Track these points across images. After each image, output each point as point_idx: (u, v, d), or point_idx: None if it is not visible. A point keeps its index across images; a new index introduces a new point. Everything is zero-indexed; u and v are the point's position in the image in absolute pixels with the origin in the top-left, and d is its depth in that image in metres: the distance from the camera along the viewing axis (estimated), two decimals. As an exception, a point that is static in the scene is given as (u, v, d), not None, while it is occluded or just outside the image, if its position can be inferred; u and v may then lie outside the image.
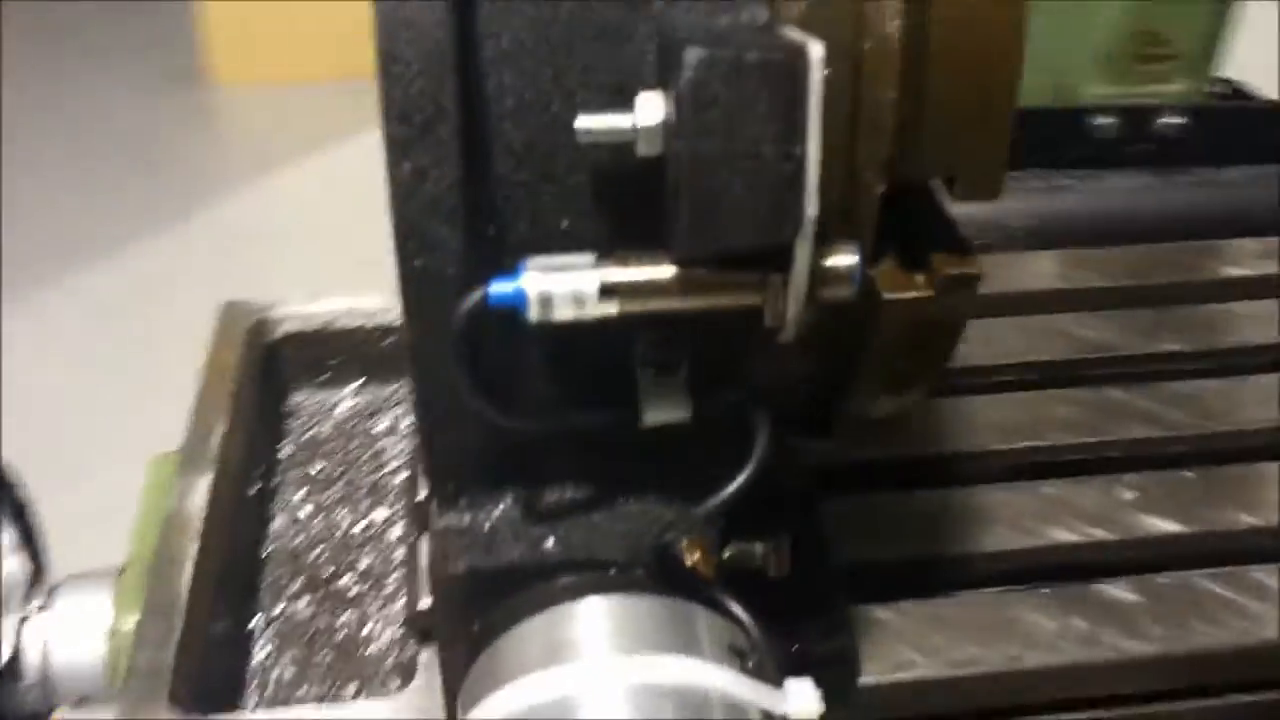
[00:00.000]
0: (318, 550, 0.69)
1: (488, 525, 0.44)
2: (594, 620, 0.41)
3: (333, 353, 0.79)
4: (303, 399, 0.79)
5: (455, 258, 0.36)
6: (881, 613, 0.57)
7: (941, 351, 0.43)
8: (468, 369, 0.38)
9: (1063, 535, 0.61)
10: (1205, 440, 0.67)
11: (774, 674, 0.41)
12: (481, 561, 0.43)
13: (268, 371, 0.77)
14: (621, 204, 0.37)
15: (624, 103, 0.36)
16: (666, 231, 0.36)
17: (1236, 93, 1.04)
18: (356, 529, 0.70)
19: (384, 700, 0.55)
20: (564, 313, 0.36)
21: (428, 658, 0.57)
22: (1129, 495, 0.63)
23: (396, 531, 0.70)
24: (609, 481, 0.44)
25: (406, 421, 0.77)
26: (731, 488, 0.41)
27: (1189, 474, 0.65)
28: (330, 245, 2.01)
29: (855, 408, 0.45)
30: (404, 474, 0.74)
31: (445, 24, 0.34)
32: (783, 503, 0.49)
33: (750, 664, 0.41)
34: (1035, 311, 0.76)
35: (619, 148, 0.35)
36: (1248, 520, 0.62)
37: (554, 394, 0.41)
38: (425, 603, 0.57)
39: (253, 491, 0.70)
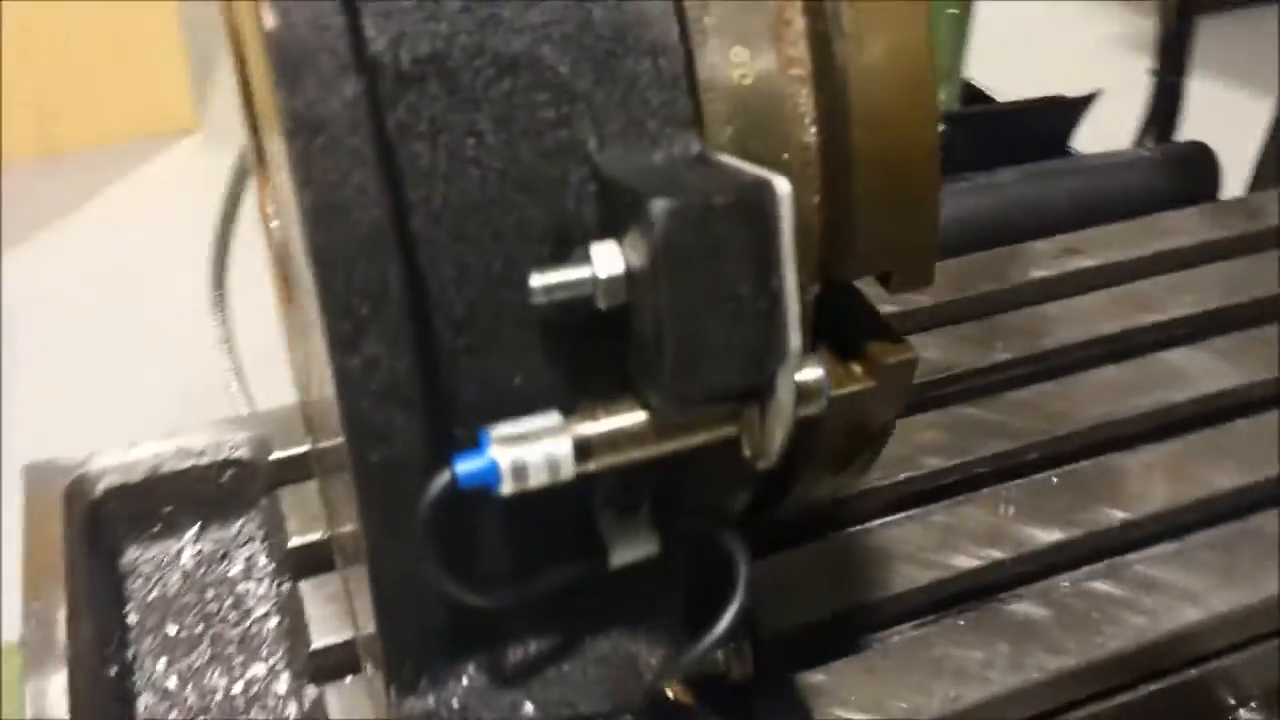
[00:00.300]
0: (197, 724, 0.63)
1: (456, 702, 0.40)
2: (596, 783, 0.39)
3: (163, 501, 0.72)
4: (137, 555, 0.72)
5: (414, 445, 0.33)
6: (814, 677, 0.57)
7: (884, 431, 0.43)
8: (438, 555, 0.35)
9: (962, 561, 0.63)
10: (1056, 443, 0.71)
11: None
12: (459, 745, 0.40)
13: (94, 534, 0.70)
14: (574, 355, 0.35)
15: (564, 253, 0.34)
16: (642, 378, 0.34)
17: (976, 96, 1.10)
18: (236, 690, 0.65)
19: None
20: (538, 481, 0.34)
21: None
22: (1010, 510, 0.66)
23: (282, 685, 0.65)
24: (573, 626, 0.42)
25: (262, 561, 0.71)
26: (722, 627, 0.39)
27: (1054, 479, 0.69)
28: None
29: (798, 495, 0.45)
30: (275, 619, 0.68)
31: (381, 202, 0.31)
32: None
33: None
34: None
35: (570, 302, 0.33)
36: (1118, 515, 0.66)
37: (515, 558, 0.38)
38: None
39: (112, 673, 0.63)
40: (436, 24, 0.32)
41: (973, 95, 1.04)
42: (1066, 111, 1.03)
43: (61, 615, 0.61)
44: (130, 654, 0.66)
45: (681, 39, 0.35)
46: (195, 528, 0.72)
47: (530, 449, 0.34)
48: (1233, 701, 0.65)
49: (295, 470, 0.71)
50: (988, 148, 0.95)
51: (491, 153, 0.33)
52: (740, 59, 0.35)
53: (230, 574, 0.71)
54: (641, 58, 0.34)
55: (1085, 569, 0.64)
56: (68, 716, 0.56)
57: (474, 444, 0.34)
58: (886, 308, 0.78)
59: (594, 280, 0.33)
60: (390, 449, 0.33)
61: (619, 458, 0.35)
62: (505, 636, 0.42)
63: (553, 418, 0.35)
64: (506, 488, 0.34)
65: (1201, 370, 0.75)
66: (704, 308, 0.31)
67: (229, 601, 0.69)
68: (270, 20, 0.30)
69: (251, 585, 0.70)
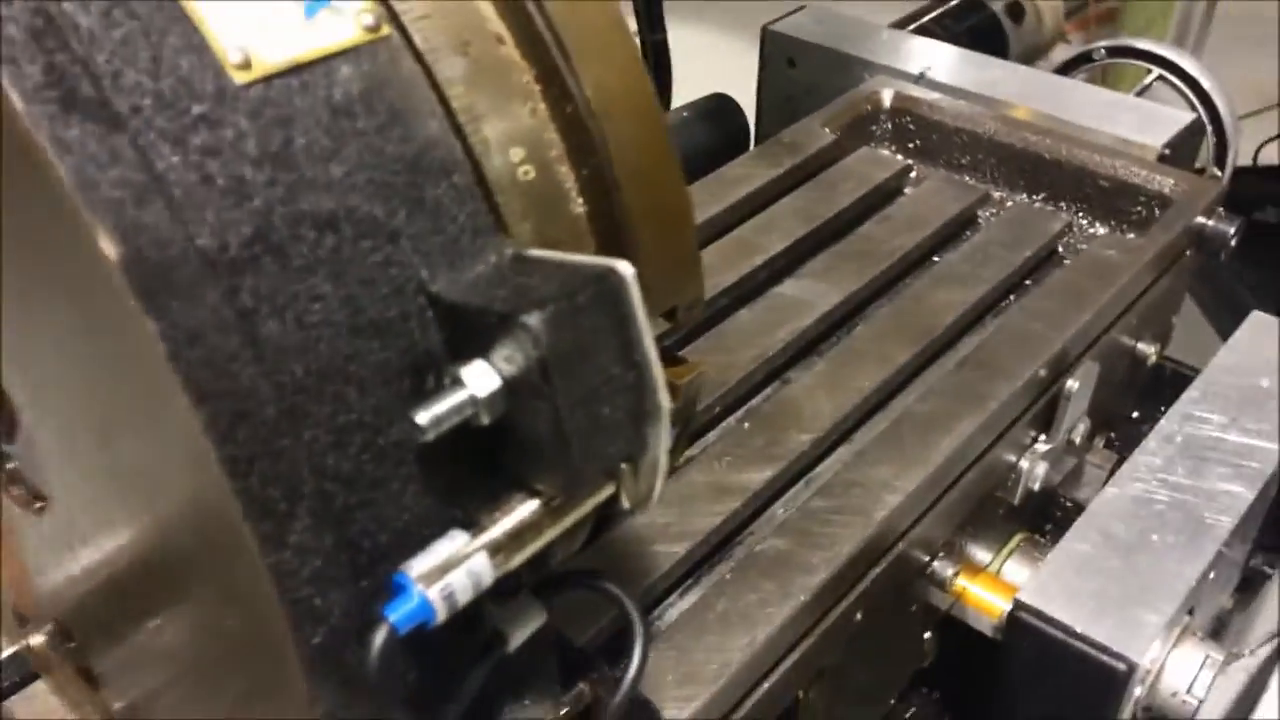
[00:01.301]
0: None
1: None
2: None
3: None
4: None
5: (348, 614, 0.33)
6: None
7: (682, 439, 0.48)
8: (394, 699, 0.35)
9: (706, 522, 0.69)
10: (732, 392, 0.79)
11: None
12: None
13: None
14: (455, 473, 0.36)
15: (421, 385, 0.35)
16: (535, 471, 0.36)
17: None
18: None
19: None
20: (465, 599, 0.35)
21: None
22: (724, 464, 0.73)
23: None
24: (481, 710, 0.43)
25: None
26: (632, 674, 0.42)
27: (745, 424, 0.77)
28: None
29: (619, 523, 0.49)
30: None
31: (266, 394, 0.31)
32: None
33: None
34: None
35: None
36: (804, 437, 0.75)
37: (435, 676, 0.39)
38: None
39: None
40: (250, 202, 0.32)
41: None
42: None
43: None
44: None
45: (466, 153, 0.36)
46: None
47: (454, 575, 0.35)
48: (926, 559, 0.77)
49: (10, 675, 0.63)
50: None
51: (335, 311, 0.33)
52: (518, 157, 0.38)
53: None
54: (438, 180, 0.36)
55: (795, 490, 0.73)
56: None
57: (390, 590, 0.35)
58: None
59: (473, 400, 0.34)
60: (329, 625, 0.33)
61: (525, 551, 0.37)
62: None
63: (460, 538, 0.36)
64: (441, 616, 0.35)
65: (812, 294, 0.87)
66: (590, 394, 0.34)
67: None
68: (112, 248, 0.28)
69: (-1, 811, 0.63)
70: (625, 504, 0.39)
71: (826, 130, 1.01)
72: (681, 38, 1.23)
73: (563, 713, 0.45)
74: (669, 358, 0.46)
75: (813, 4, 1.17)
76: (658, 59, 1.20)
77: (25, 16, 0.28)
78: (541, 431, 0.35)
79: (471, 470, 0.37)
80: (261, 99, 0.33)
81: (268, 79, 0.33)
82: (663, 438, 0.37)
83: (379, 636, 0.34)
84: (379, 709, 0.35)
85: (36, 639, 0.58)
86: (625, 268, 0.35)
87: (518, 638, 0.41)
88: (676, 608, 0.67)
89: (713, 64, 1.30)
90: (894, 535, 0.72)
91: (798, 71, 1.14)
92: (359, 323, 0.34)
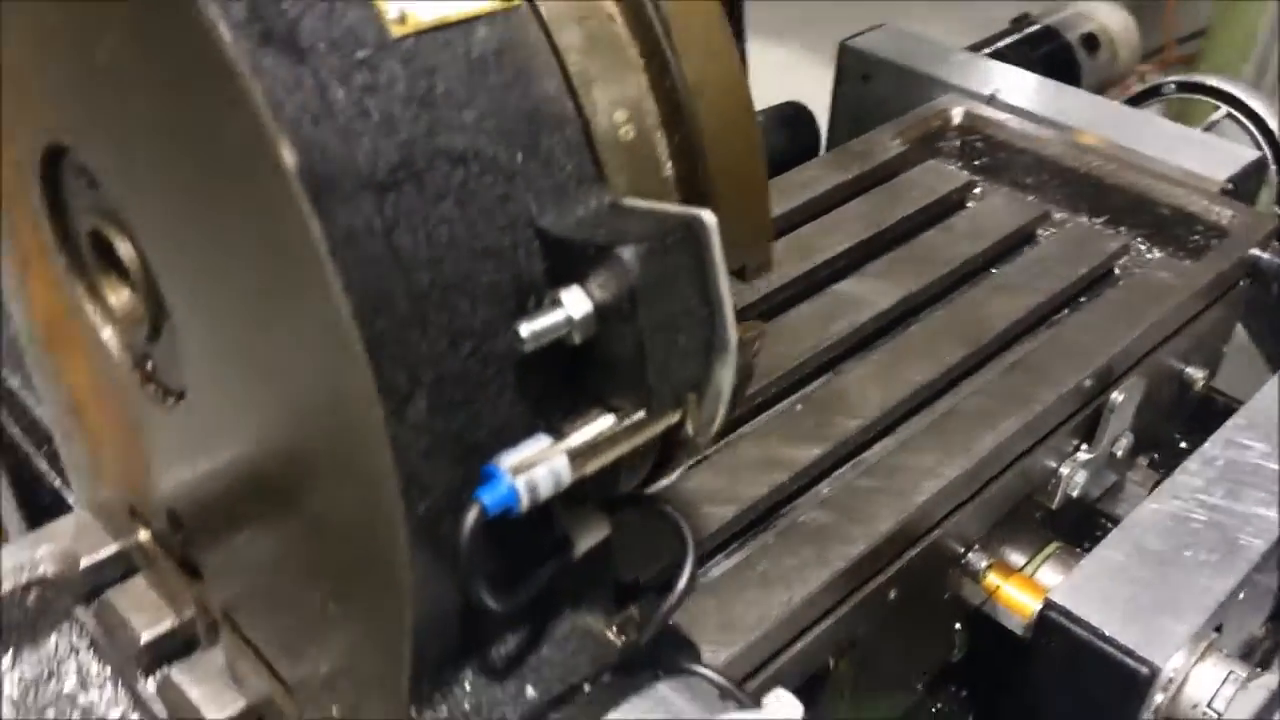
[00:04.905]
0: (94, 838, 0.62)
1: (468, 704, 0.46)
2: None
3: (-34, 636, 0.69)
4: (-47, 699, 0.68)
5: (449, 492, 0.39)
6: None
7: (743, 390, 0.53)
8: (480, 579, 0.41)
9: (754, 490, 0.74)
10: (789, 375, 0.84)
11: (751, 697, 0.49)
12: (485, 736, 0.46)
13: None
14: (547, 385, 0.42)
15: (524, 305, 0.41)
16: (616, 389, 0.41)
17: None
18: (123, 795, 0.64)
19: None
20: (546, 493, 0.41)
21: None
22: (774, 440, 0.78)
23: (165, 777, 0.65)
24: (536, 616, 0.49)
25: (96, 669, 0.70)
26: (683, 582, 0.47)
27: (797, 406, 0.82)
28: None
29: (679, 464, 0.54)
30: (135, 717, 0.68)
31: (400, 293, 0.37)
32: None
33: (735, 700, 0.48)
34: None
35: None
36: (852, 422, 0.80)
37: (510, 566, 0.44)
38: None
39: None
40: (398, 135, 0.38)
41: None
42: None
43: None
44: (-9, 797, 0.64)
45: (577, 111, 0.42)
46: (8, 655, 0.70)
47: (537, 470, 0.40)
48: (961, 549, 0.81)
49: (111, 572, 0.70)
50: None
51: (459, 234, 0.39)
52: (621, 119, 0.43)
53: (65, 690, 0.69)
54: (552, 132, 0.41)
55: (842, 471, 0.78)
56: None
57: (484, 479, 0.40)
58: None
59: (570, 321, 0.40)
60: (431, 499, 0.39)
61: (600, 460, 0.42)
62: (487, 641, 0.48)
63: (544, 440, 0.42)
64: (524, 506, 0.40)
65: (871, 292, 0.92)
66: (669, 323, 0.40)
67: (76, 715, 0.68)
68: (291, 157, 0.34)
69: (94, 695, 0.69)
70: (690, 430, 0.44)
71: (896, 142, 1.06)
72: (761, 51, 1.29)
73: (614, 626, 0.50)
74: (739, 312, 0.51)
75: (889, 23, 1.22)
76: (739, 65, 1.25)
77: (230, -33, 0.35)
78: (624, 353, 0.40)
79: (559, 386, 0.42)
80: (412, 50, 0.38)
81: (419, 34, 0.39)
82: (728, 372, 0.42)
83: (471, 514, 0.40)
84: (463, 583, 0.41)
85: (145, 534, 0.64)
86: (709, 216, 0.40)
87: (582, 544, 0.47)
88: (721, 566, 0.72)
89: (786, 80, 1.35)
90: (932, 520, 0.76)
91: (872, 86, 1.19)
92: (477, 246, 0.39)
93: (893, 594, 0.76)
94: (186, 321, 0.46)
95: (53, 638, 0.71)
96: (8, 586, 0.69)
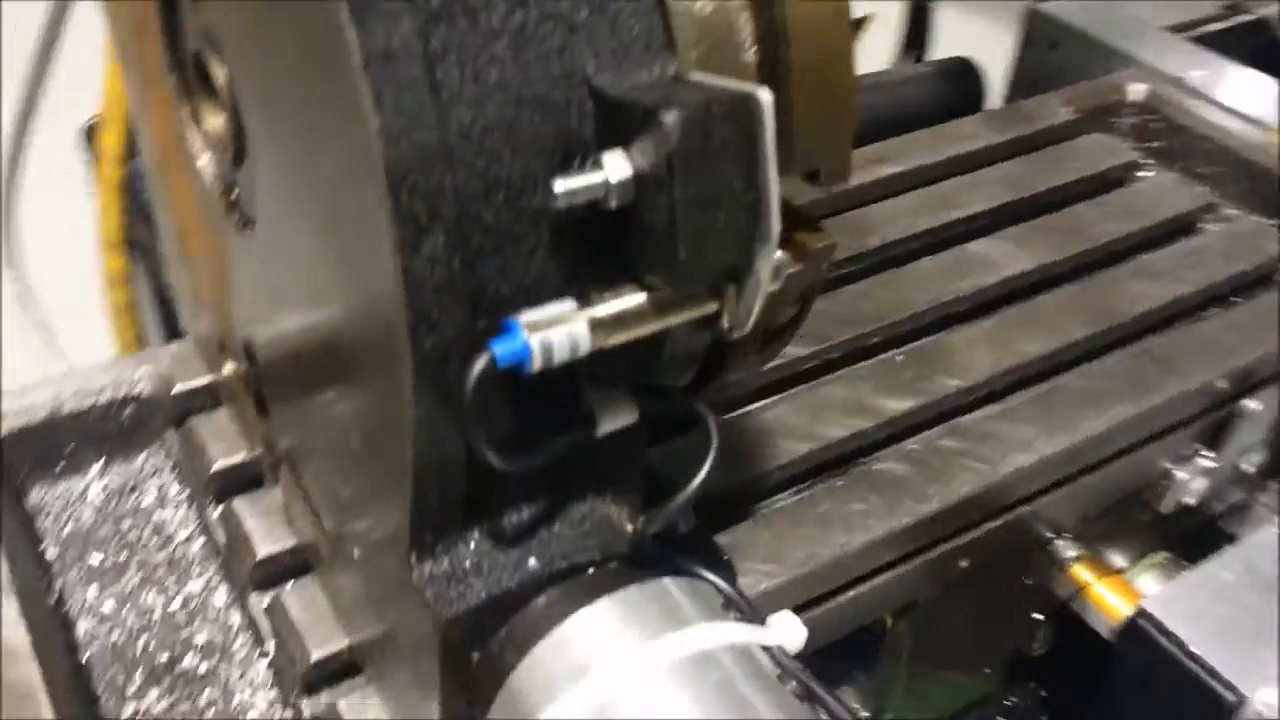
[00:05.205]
0: (142, 640, 0.66)
1: (468, 563, 0.46)
2: (601, 625, 0.45)
3: (65, 439, 0.73)
4: (44, 494, 0.73)
5: (458, 334, 0.39)
6: (721, 538, 0.66)
7: (802, 313, 0.51)
8: (481, 429, 0.40)
9: (833, 431, 0.72)
10: (895, 326, 0.81)
11: (756, 614, 0.48)
12: (478, 596, 0.46)
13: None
14: (580, 250, 0.41)
15: (569, 164, 0.40)
16: (647, 264, 0.40)
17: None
18: (174, 607, 0.68)
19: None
20: (561, 358, 0.40)
21: (346, 705, 0.58)
22: (866, 386, 0.75)
23: (220, 598, 0.68)
24: (554, 493, 0.48)
25: (174, 490, 0.74)
26: (700, 478, 0.46)
27: (898, 357, 0.79)
28: None
29: (732, 374, 0.52)
30: (200, 540, 0.71)
31: (432, 122, 0.36)
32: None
33: (737, 612, 0.47)
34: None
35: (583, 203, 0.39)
36: (953, 382, 0.76)
37: (523, 429, 0.44)
38: (320, 653, 0.58)
39: (51, 602, 0.65)
40: (455, -36, 0.37)
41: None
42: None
43: (-3, 553, 0.63)
44: (59, 585, 0.68)
45: (655, -25, 0.41)
46: (100, 464, 0.74)
47: (554, 331, 0.40)
48: (1050, 535, 0.77)
49: (201, 401, 0.73)
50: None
51: (509, 78, 0.38)
52: (701, -9, 0.42)
53: (143, 505, 0.73)
54: (624, -9, 0.40)
55: (932, 430, 0.75)
56: (29, 639, 0.58)
57: (503, 332, 0.40)
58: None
59: (606, 184, 0.39)
60: (440, 337, 0.39)
61: (624, 334, 0.41)
62: (501, 507, 0.47)
63: (568, 304, 0.41)
64: (536, 365, 0.40)
65: (1003, 256, 0.87)
66: (708, 200, 0.38)
67: (148, 529, 0.72)
68: (332, -34, 0.34)
69: (169, 513, 0.73)
70: (726, 323, 0.43)
71: (1067, 109, 1.01)
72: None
73: (640, 520, 0.49)
74: (808, 222, 0.49)
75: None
76: (916, 17, 1.21)
77: None
78: (657, 225, 0.39)
79: (595, 255, 0.42)
80: (484, -118, 0.38)
81: None
82: (768, 264, 0.40)
83: (480, 362, 0.39)
84: (466, 432, 0.41)
85: (229, 367, 0.66)
86: (764, 94, 0.38)
87: (606, 425, 0.46)
88: (784, 501, 0.70)
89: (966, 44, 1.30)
90: (1017, 495, 0.73)
91: (1057, 54, 1.13)
92: (525, 94, 0.39)
93: (964, 563, 0.73)
94: (256, 146, 0.47)
95: (142, 455, 0.75)
96: (105, 399, 0.73)
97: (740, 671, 0.44)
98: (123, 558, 0.70)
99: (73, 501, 0.73)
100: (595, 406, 0.46)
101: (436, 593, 0.45)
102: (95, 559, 0.70)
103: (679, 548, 0.53)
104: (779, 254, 0.42)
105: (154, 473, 0.75)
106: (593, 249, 0.41)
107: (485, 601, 0.46)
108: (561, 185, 0.38)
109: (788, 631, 0.47)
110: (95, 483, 0.74)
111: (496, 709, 0.45)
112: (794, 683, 0.45)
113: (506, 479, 0.46)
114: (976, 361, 0.78)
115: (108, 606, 0.67)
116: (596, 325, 0.41)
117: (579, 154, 0.40)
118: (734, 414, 0.74)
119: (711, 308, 0.42)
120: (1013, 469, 0.71)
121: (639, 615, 0.45)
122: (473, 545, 0.47)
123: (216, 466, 0.68)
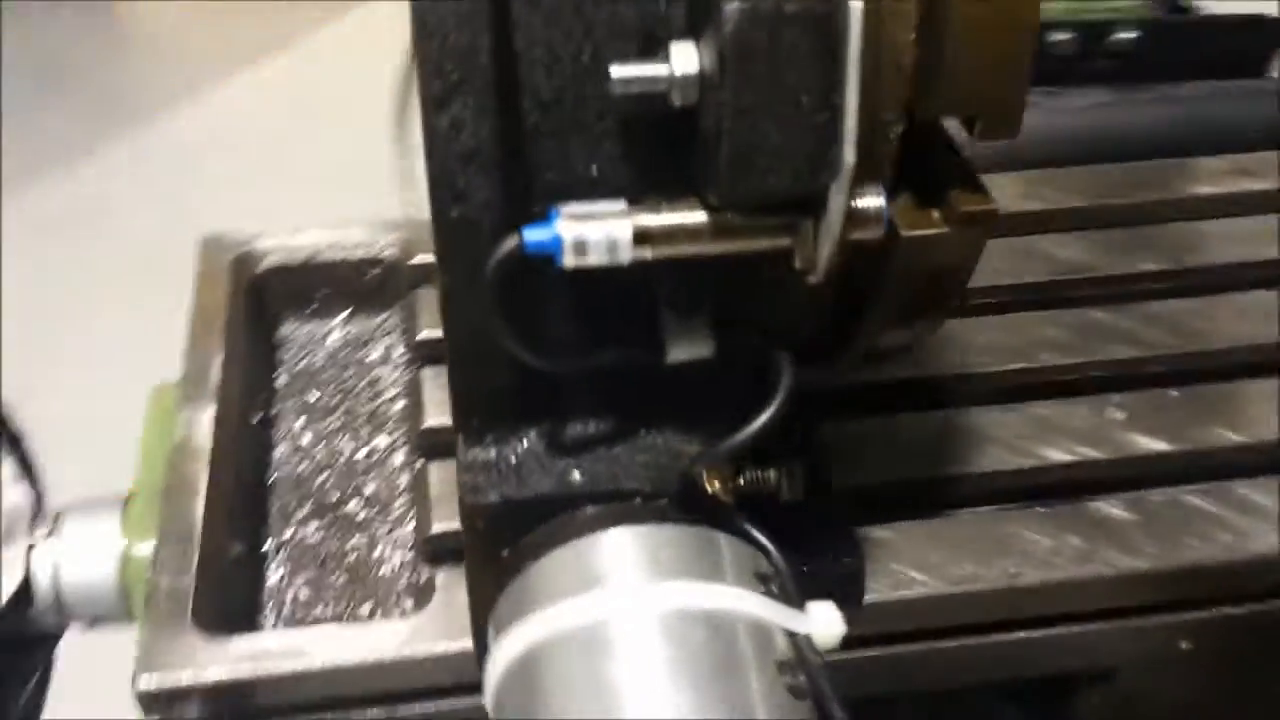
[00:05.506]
0: (323, 476, 0.70)
1: (514, 459, 0.45)
2: (623, 549, 0.42)
3: (318, 285, 0.78)
4: (291, 330, 0.79)
5: (489, 207, 0.37)
6: (880, 532, 0.59)
7: (955, 286, 0.44)
8: (502, 314, 0.38)
9: (1055, 455, 0.63)
10: (1186, 359, 0.69)
11: (796, 596, 0.42)
12: (512, 493, 0.44)
13: (255, 304, 0.77)
14: (648, 151, 0.38)
15: (650, 52, 0.36)
16: (702, 177, 0.36)
17: (1178, 6, 1.05)
18: (359, 455, 0.71)
19: (404, 621, 0.57)
20: (598, 259, 0.37)
21: (445, 580, 0.59)
22: (1118, 415, 0.65)
23: (399, 458, 0.71)
24: (629, 416, 0.45)
25: (398, 351, 0.77)
26: (757, 425, 0.42)
27: (1174, 393, 0.67)
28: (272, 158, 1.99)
29: (865, 340, 0.46)
30: (401, 402, 0.74)
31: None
32: (792, 429, 0.50)
33: (774, 588, 0.42)
34: (1010, 233, 0.77)
35: (648, 96, 0.35)
36: (1233, 438, 0.64)
37: (579, 333, 0.41)
38: (438, 528, 0.59)
39: (255, 420, 0.71)
40: None
41: (1173, 5, 0.99)
42: (1268, 32, 0.97)
43: (217, 361, 0.69)
44: (274, 411, 0.73)
45: None
46: (346, 313, 0.79)
47: (593, 227, 0.37)
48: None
49: (432, 274, 0.76)
50: (1180, 59, 0.91)
51: (593, -56, 0.35)
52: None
53: (370, 358, 0.77)
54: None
55: (1184, 486, 0.63)
56: (210, 444, 0.64)
57: (545, 218, 0.37)
58: (1032, 205, 0.78)
59: (670, 77, 0.35)
60: (467, 208, 0.37)
61: (674, 250, 0.37)
62: (566, 412, 0.45)
63: (618, 204, 0.37)
64: (567, 260, 0.37)
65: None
66: (764, 110, 0.33)
67: (365, 381, 0.76)
68: None
69: (386, 370, 0.76)
70: (797, 262, 0.37)
71: None
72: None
73: (702, 466, 0.45)
74: (969, 179, 0.42)
75: None
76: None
77: None
78: (709, 130, 0.34)
79: (663, 160, 0.38)
80: None
81: None
82: (841, 201, 0.35)
83: (508, 243, 0.37)
84: (489, 309, 0.38)
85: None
86: (856, 3, 0.32)
87: (675, 354, 0.42)
88: (970, 513, 0.62)
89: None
90: (1267, 584, 0.60)
91: None
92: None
93: (1183, 644, 0.61)
94: None
95: (384, 314, 0.79)
96: (356, 256, 0.77)
97: (738, 644, 0.39)
98: (335, 401, 0.75)
99: (314, 342, 0.78)
100: (668, 333, 0.42)
101: (472, 480, 0.44)
102: (313, 396, 0.75)
103: (787, 516, 0.48)
104: (877, 201, 0.37)
105: (388, 333, 0.79)
106: (665, 155, 0.38)
107: (518, 500, 0.44)
108: (620, 70, 0.35)
109: (822, 622, 0.41)
110: (337, 330, 0.79)
111: (505, 596, 0.43)
112: (803, 676, 0.40)
113: (571, 387, 0.44)
114: (1270, 420, 0.65)
115: (306, 439, 0.72)
116: (644, 235, 0.37)
117: (660, 46, 0.36)
118: (951, 409, 0.66)
119: (781, 243, 0.37)
120: (1266, 550, 0.59)
121: (662, 554, 0.42)
122: (525, 444, 0.45)
123: (421, 335, 0.71)
